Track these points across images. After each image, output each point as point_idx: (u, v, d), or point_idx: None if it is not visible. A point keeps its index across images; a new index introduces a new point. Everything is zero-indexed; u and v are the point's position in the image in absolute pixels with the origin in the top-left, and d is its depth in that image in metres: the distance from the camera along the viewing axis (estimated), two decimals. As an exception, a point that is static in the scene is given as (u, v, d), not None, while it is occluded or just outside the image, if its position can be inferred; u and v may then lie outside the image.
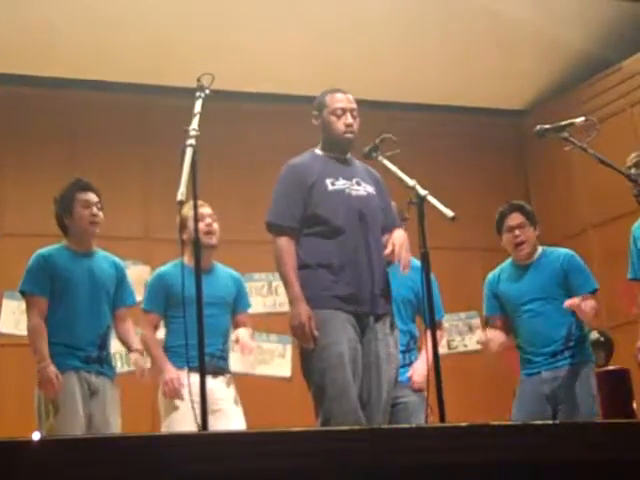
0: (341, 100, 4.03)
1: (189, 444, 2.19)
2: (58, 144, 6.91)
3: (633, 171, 4.55)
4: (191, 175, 3.32)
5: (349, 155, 4.06)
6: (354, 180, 4.00)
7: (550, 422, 3.31)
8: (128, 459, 2.18)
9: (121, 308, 4.69)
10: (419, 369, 4.62)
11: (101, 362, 4.52)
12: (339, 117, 4.00)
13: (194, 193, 3.35)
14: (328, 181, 3.95)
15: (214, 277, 4.89)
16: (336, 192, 3.93)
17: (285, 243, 3.88)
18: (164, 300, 4.77)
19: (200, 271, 3.31)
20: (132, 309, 4.79)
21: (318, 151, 4.10)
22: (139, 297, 6.67)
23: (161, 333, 4.97)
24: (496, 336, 4.84)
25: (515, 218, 4.89)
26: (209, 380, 4.62)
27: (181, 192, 3.26)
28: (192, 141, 3.40)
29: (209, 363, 4.62)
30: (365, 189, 4.00)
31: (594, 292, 4.87)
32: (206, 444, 2.22)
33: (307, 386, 3.85)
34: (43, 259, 4.54)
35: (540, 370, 4.76)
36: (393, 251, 3.71)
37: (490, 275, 5.03)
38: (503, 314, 4.91)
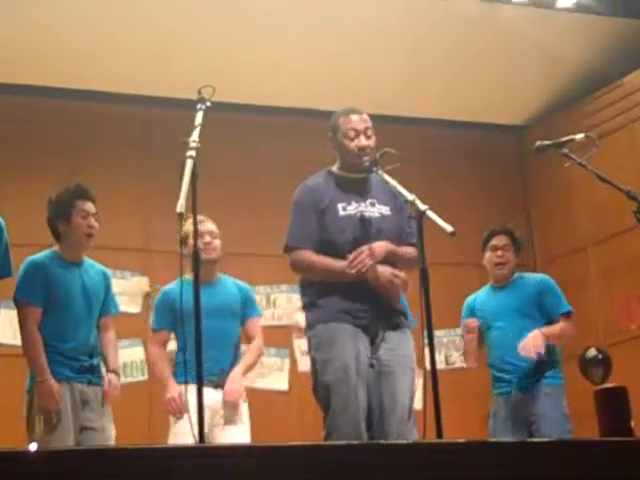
0: (354, 121, 4.02)
1: (186, 456, 2.18)
2: (58, 154, 6.89)
3: None
4: (191, 187, 3.31)
5: (366, 174, 4.02)
6: (368, 201, 4.00)
7: (547, 440, 3.29)
8: (124, 471, 2.16)
9: (105, 317, 4.64)
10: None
11: (92, 371, 4.47)
12: (352, 139, 3.99)
13: (194, 205, 3.34)
14: (340, 205, 3.97)
15: (218, 288, 4.91)
16: (347, 217, 3.95)
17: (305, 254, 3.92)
18: (170, 317, 4.75)
19: (198, 287, 3.29)
20: (115, 318, 4.76)
21: (335, 170, 4.11)
22: (136, 309, 6.76)
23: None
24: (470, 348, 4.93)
25: (501, 239, 5.07)
26: (219, 393, 4.68)
27: (180, 204, 3.25)
28: (192, 153, 3.39)
29: (219, 376, 4.69)
30: (379, 210, 4.00)
31: (568, 314, 4.99)
32: (203, 457, 2.21)
33: (316, 400, 3.89)
34: (36, 267, 4.45)
35: (511, 390, 4.88)
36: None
37: (469, 297, 5.21)
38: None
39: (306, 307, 4.02)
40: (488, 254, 5.07)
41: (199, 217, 4.80)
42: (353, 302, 3.86)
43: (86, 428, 4.39)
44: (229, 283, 5.01)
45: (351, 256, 3.82)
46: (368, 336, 3.85)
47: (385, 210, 4.01)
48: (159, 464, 2.13)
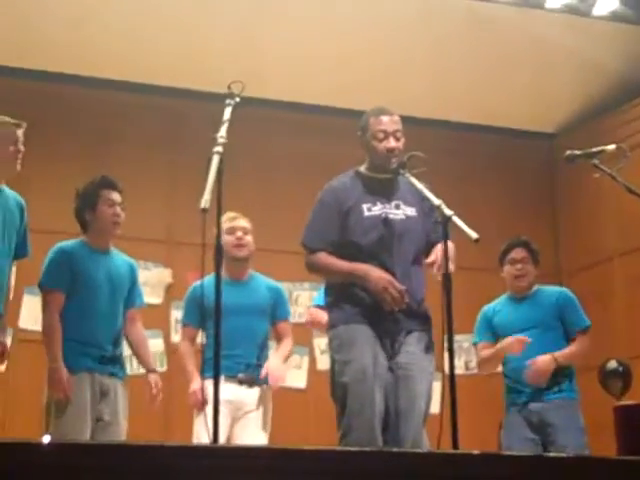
0: (384, 123, 4.00)
1: (197, 456, 2.18)
2: (86, 142, 6.92)
3: None
4: (216, 183, 3.31)
5: (393, 175, 4.00)
6: (393, 203, 3.99)
7: (567, 454, 3.26)
8: (135, 467, 2.16)
9: (132, 309, 4.66)
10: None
11: (114, 362, 4.49)
12: (381, 141, 3.97)
13: (219, 201, 3.33)
14: (365, 206, 3.95)
15: (250, 286, 4.93)
16: (371, 218, 3.94)
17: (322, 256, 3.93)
18: (198, 312, 4.74)
19: (220, 283, 3.30)
20: (141, 310, 4.77)
21: (362, 170, 4.09)
22: (158, 300, 6.77)
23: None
24: (496, 347, 4.92)
25: (520, 252, 5.07)
26: (242, 390, 4.69)
27: (205, 199, 3.24)
28: (219, 148, 3.39)
29: (245, 372, 4.71)
30: (404, 212, 3.98)
31: (586, 330, 4.99)
32: (216, 457, 2.20)
33: (333, 401, 3.88)
34: (64, 254, 4.49)
35: (527, 401, 4.86)
36: (435, 261, 3.71)
37: (486, 307, 5.18)
38: (493, 343, 5.01)
39: (329, 307, 4.02)
40: (507, 267, 5.06)
41: (232, 214, 4.89)
42: (374, 304, 3.84)
43: (101, 420, 4.39)
44: (260, 282, 5.02)
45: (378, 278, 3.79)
46: (388, 339, 3.84)
47: (411, 212, 4.00)
48: (165, 463, 2.13)
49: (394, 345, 3.85)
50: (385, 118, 4.01)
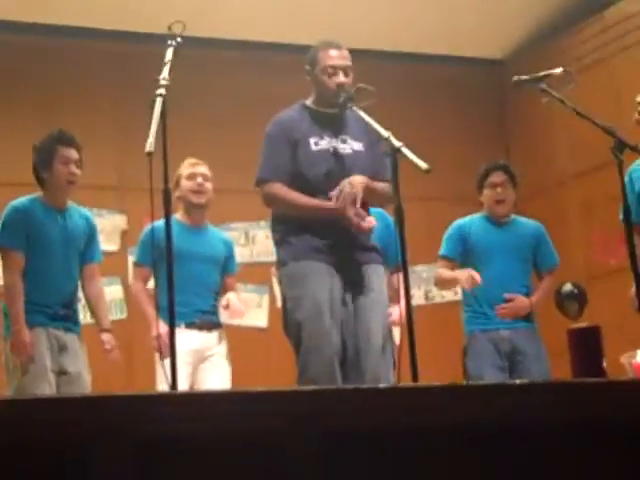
0: (334, 57, 3.97)
1: (159, 404, 2.17)
2: (31, 90, 6.80)
3: None
4: (161, 125, 3.25)
5: (340, 109, 3.96)
6: (340, 137, 3.97)
7: (520, 381, 3.29)
8: (99, 418, 2.15)
9: (89, 264, 4.62)
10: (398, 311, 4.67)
11: (68, 318, 4.46)
12: (330, 76, 3.94)
13: (164, 143, 3.27)
14: (312, 140, 3.93)
15: (205, 236, 4.91)
16: (319, 152, 3.92)
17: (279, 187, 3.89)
18: (155, 254, 4.70)
19: (170, 229, 3.28)
20: (99, 265, 4.74)
21: (309, 103, 4.06)
22: (114, 247, 6.72)
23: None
24: (456, 274, 4.87)
25: (499, 176, 4.99)
26: (204, 335, 4.69)
27: (150, 142, 3.18)
28: (162, 90, 3.31)
29: (202, 318, 4.70)
30: (351, 147, 3.98)
31: (556, 268, 5.06)
32: (174, 404, 2.20)
33: (287, 338, 3.87)
34: (18, 212, 4.43)
35: (498, 327, 4.85)
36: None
37: (460, 220, 5.07)
38: (458, 261, 4.96)
39: (277, 244, 3.99)
40: (487, 191, 4.97)
41: (192, 160, 4.85)
42: (324, 239, 3.84)
43: (65, 373, 4.38)
44: (215, 234, 5.03)
45: (335, 192, 3.78)
46: (340, 273, 3.83)
47: (358, 146, 3.99)
48: (127, 411, 2.12)
49: (347, 279, 3.84)
50: (334, 52, 3.98)
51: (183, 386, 4.47)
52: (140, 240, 4.96)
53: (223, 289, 4.93)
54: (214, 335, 4.78)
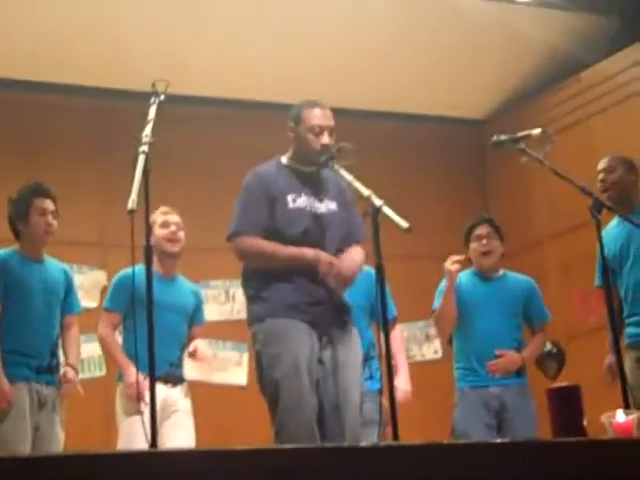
0: (320, 117, 3.97)
1: (136, 462, 2.15)
2: (14, 146, 6.82)
3: (601, 175, 4.70)
4: (143, 183, 3.26)
5: (316, 168, 4.00)
6: (317, 196, 3.98)
7: (501, 440, 3.29)
8: (75, 477, 2.13)
9: (68, 316, 4.62)
10: (401, 389, 4.72)
11: (52, 371, 4.45)
12: (316, 135, 3.95)
13: (146, 201, 3.28)
14: (290, 197, 3.93)
15: (176, 286, 4.89)
16: (297, 210, 3.92)
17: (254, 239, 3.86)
18: (126, 300, 4.68)
19: (151, 282, 3.23)
20: (78, 316, 4.73)
21: (285, 160, 4.06)
22: (93, 303, 6.68)
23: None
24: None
25: (484, 228, 5.03)
26: (169, 388, 4.64)
27: (132, 200, 3.19)
28: (145, 148, 3.33)
29: (168, 371, 4.64)
30: (327, 206, 3.99)
31: (547, 324, 5.10)
32: (154, 462, 2.18)
33: (263, 396, 3.83)
34: None
35: (488, 384, 4.84)
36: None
37: None
38: None
39: (250, 299, 3.94)
40: (473, 245, 5.00)
41: (166, 208, 4.85)
42: (300, 296, 3.82)
43: (38, 429, 4.35)
44: (185, 283, 5.01)
45: (327, 263, 3.80)
46: (316, 331, 3.81)
47: (333, 206, 4.00)
48: (105, 470, 2.10)
49: (322, 337, 3.83)
50: (320, 112, 3.99)
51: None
52: (112, 285, 4.92)
53: (190, 339, 4.89)
54: (178, 390, 4.74)
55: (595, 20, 7.25)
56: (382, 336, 3.38)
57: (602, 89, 7.10)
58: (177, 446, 4.49)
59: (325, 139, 3.94)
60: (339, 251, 3.96)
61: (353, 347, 3.89)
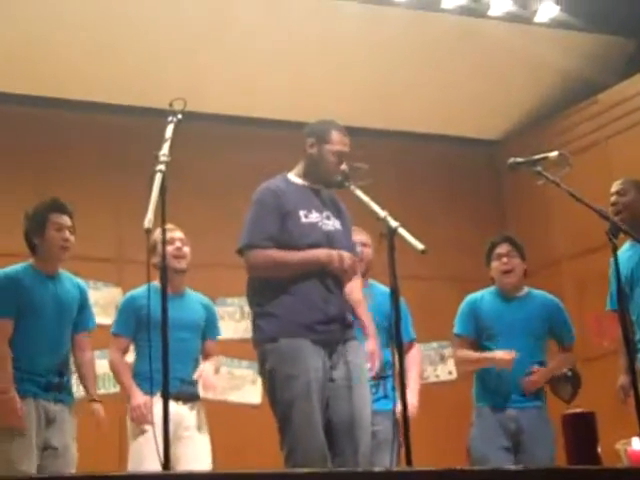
0: (345, 143, 4.02)
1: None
2: (33, 162, 6.84)
3: (613, 198, 4.67)
4: (160, 201, 3.27)
5: (321, 187, 4.07)
6: (324, 214, 4.01)
7: (515, 467, 3.26)
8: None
9: (82, 333, 4.60)
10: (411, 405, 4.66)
11: (60, 389, 4.42)
12: (339, 161, 3.97)
13: (163, 220, 3.29)
14: (302, 212, 3.95)
15: (185, 301, 4.87)
16: (309, 224, 3.94)
17: (261, 252, 3.88)
18: (134, 323, 4.70)
19: (166, 296, 3.23)
20: (92, 333, 4.72)
21: (292, 177, 4.08)
22: (108, 320, 6.69)
23: (130, 358, 4.92)
24: (485, 354, 4.84)
25: (504, 247, 4.98)
26: (180, 406, 4.64)
27: (148, 219, 3.20)
28: (162, 167, 3.34)
29: (180, 388, 4.62)
30: (333, 224, 4.02)
31: (570, 344, 5.01)
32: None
33: (274, 415, 3.82)
34: (9, 279, 4.41)
35: (506, 406, 4.79)
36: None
37: (472, 295, 5.04)
38: (474, 338, 4.92)
39: (259, 316, 3.92)
40: (494, 264, 4.94)
41: (169, 225, 4.82)
42: (314, 314, 3.83)
43: (49, 447, 4.32)
44: (195, 298, 4.98)
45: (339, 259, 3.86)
46: (327, 350, 3.82)
47: (337, 224, 4.05)
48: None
49: (332, 356, 3.84)
50: (346, 139, 4.03)
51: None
52: (118, 310, 4.93)
53: (205, 354, 4.89)
54: (188, 407, 4.71)
55: (613, 42, 7.24)
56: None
57: (619, 111, 7.08)
58: (189, 469, 4.46)
59: (344, 166, 3.97)
60: None
61: (362, 364, 3.90)
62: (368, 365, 3.99)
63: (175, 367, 4.52)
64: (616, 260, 3.82)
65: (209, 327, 4.95)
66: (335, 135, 4.00)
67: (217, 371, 4.97)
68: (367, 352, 3.99)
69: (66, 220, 4.52)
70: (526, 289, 5.01)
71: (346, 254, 3.91)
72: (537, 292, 5.06)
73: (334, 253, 3.88)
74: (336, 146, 3.99)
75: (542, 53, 6.99)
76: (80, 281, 4.68)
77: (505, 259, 4.92)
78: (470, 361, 4.93)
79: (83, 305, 4.62)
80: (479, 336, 4.90)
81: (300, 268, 3.84)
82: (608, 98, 7.18)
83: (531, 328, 4.86)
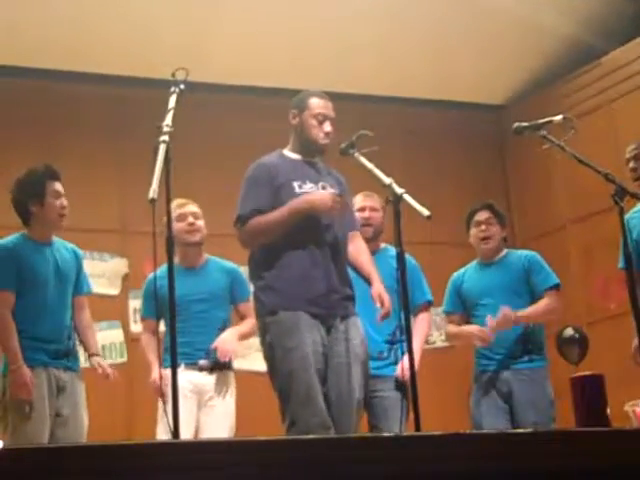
0: (324, 107, 4.05)
1: (158, 453, 2.16)
2: (34, 133, 6.82)
3: (632, 164, 4.62)
4: (164, 172, 3.26)
5: (316, 159, 4.09)
6: (320, 184, 4.03)
7: (523, 430, 3.29)
8: (97, 467, 2.14)
9: (78, 296, 4.57)
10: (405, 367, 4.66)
11: (68, 355, 4.41)
12: (320, 123, 4.01)
13: (167, 190, 3.28)
14: (295, 184, 3.98)
15: (204, 273, 4.90)
16: (304, 194, 3.95)
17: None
18: (156, 306, 4.70)
19: (172, 272, 3.25)
20: (88, 297, 4.70)
21: (287, 152, 4.12)
22: (115, 291, 6.71)
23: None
24: (464, 329, 4.91)
25: (483, 214, 5.01)
26: (205, 376, 4.68)
27: (153, 190, 3.19)
28: (165, 137, 3.33)
29: (204, 359, 4.70)
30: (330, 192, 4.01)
31: (556, 287, 4.93)
32: (174, 454, 2.19)
33: (273, 386, 3.86)
34: (7, 250, 4.36)
35: (498, 369, 4.82)
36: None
37: (455, 273, 5.13)
38: (462, 313, 5.00)
39: (261, 289, 3.95)
40: (473, 230, 5.00)
41: (181, 200, 4.84)
42: (310, 287, 3.85)
43: (60, 415, 4.32)
44: (216, 266, 4.97)
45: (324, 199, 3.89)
46: (324, 325, 3.85)
47: (335, 192, 4.03)
48: (120, 461, 2.11)
49: (330, 331, 3.86)
50: (324, 102, 4.07)
51: (188, 429, 4.48)
52: (143, 292, 5.00)
53: (240, 317, 4.91)
54: (214, 377, 4.74)
55: (614, 5, 7.19)
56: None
57: (623, 73, 7.05)
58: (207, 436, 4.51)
59: (328, 127, 4.01)
60: (343, 235, 4.02)
61: (357, 339, 3.90)
62: (378, 305, 3.95)
63: (197, 340, 4.67)
64: (622, 223, 3.80)
65: (236, 291, 4.92)
66: (313, 100, 4.05)
67: (247, 336, 4.91)
68: (373, 296, 3.93)
69: (60, 187, 4.46)
70: (504, 251, 5.03)
71: (326, 193, 3.91)
72: (514, 252, 5.10)
73: (315, 194, 3.90)
74: (315, 110, 4.03)
75: (545, 17, 6.94)
76: (74, 246, 4.63)
77: (483, 226, 4.96)
78: (454, 335, 5.07)
79: (79, 270, 4.60)
80: (467, 309, 4.98)
81: (288, 220, 3.87)
82: (612, 61, 7.15)
83: (511, 286, 4.88)
